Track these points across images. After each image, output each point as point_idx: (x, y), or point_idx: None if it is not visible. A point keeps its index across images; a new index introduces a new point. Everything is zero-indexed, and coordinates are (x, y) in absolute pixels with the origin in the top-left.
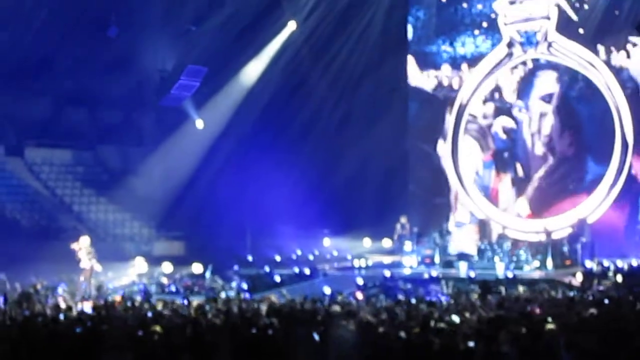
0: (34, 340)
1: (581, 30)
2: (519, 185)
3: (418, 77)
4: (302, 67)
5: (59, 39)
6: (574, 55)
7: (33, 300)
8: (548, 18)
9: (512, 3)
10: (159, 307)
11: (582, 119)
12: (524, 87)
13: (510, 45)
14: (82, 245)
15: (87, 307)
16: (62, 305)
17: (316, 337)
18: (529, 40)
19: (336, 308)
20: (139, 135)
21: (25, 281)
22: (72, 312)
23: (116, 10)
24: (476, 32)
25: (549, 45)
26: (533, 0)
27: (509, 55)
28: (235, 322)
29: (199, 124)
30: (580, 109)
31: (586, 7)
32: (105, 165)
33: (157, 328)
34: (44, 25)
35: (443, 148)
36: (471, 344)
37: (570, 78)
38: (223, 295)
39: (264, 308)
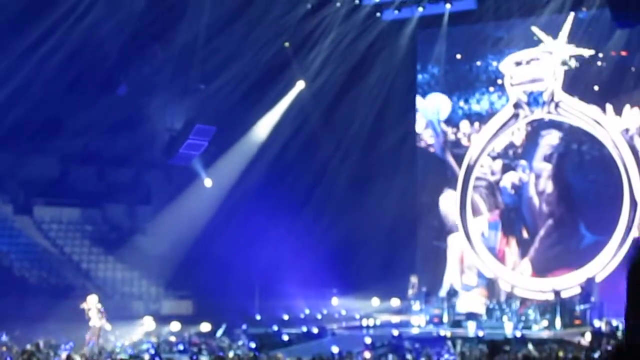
0: None
1: (596, 88)
2: (524, 246)
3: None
4: (310, 125)
5: (68, 97)
6: (580, 114)
7: (34, 358)
8: (555, 78)
9: (518, 64)
10: None
11: (576, 188)
12: (529, 146)
13: (516, 106)
14: (91, 304)
15: None
16: None
17: None
18: (535, 101)
19: None
20: (147, 194)
21: (34, 339)
22: None
23: (125, 69)
24: (491, 89)
25: (556, 105)
26: (539, 60)
27: (516, 116)
28: None
29: (208, 182)
30: (574, 179)
31: (599, 63)
32: (113, 224)
33: None
34: (52, 84)
35: (450, 205)
36: None
37: (574, 139)
38: (231, 354)
39: None
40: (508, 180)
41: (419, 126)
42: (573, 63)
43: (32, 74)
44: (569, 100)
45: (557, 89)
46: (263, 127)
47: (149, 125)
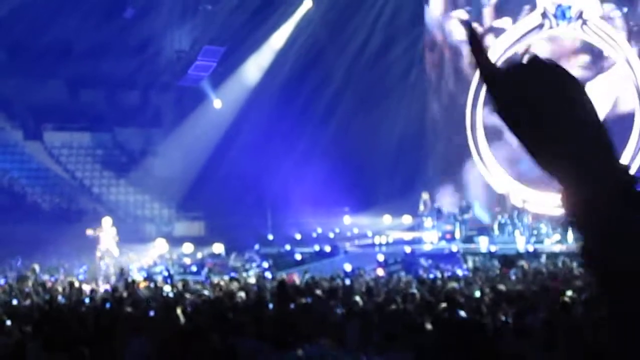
0: (55, 322)
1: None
2: None
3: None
4: (319, 44)
5: (75, 22)
6: (606, 36)
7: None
8: None
9: None
10: (181, 287)
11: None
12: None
13: (544, 15)
14: (105, 227)
15: (108, 288)
16: (85, 286)
17: (339, 311)
18: (562, 14)
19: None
20: (157, 117)
21: (47, 264)
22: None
23: None
24: None
25: (583, 23)
26: None
27: (540, 26)
28: (258, 300)
29: (217, 103)
30: None
31: None
32: (124, 147)
33: (180, 310)
34: (59, 9)
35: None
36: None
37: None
38: (244, 274)
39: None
40: None
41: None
42: None
43: (39, 0)
44: (597, 20)
45: (586, 7)
46: (271, 48)
47: (157, 47)
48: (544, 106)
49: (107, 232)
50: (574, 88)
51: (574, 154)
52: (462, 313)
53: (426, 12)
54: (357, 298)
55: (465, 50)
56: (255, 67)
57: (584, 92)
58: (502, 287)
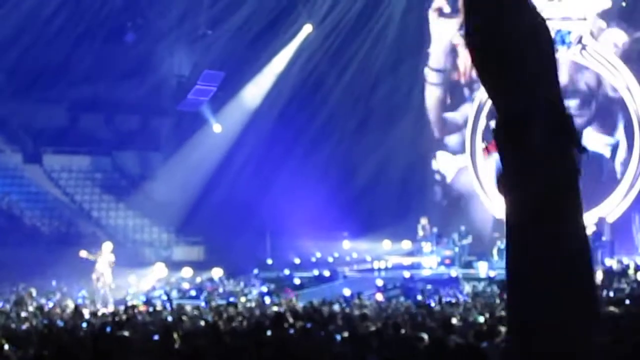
0: (54, 346)
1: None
2: None
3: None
4: (319, 70)
5: (75, 45)
6: (604, 60)
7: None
8: (584, 19)
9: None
10: (180, 312)
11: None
12: None
13: None
14: (105, 252)
15: (106, 312)
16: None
17: (338, 338)
18: (562, 40)
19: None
20: (156, 141)
21: (45, 287)
22: (92, 317)
23: (132, 16)
24: None
25: (583, 47)
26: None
27: None
28: (257, 325)
29: (217, 128)
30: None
31: None
32: (123, 171)
33: (177, 334)
34: (59, 32)
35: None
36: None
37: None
38: (243, 299)
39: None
40: None
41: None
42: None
43: (39, 23)
44: (595, 45)
45: (585, 31)
46: (271, 72)
47: (157, 71)
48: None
49: (105, 257)
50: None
51: (518, 64)
52: (457, 339)
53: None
54: (356, 323)
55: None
56: (255, 91)
57: (539, 22)
58: (501, 312)
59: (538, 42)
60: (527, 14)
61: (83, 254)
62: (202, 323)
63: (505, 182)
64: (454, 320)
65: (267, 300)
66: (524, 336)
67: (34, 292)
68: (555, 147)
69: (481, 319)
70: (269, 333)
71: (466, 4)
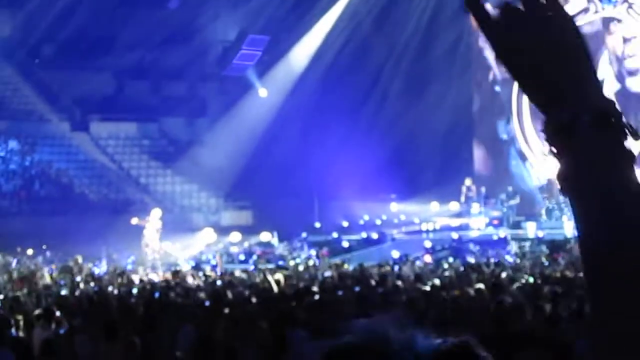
0: (105, 312)
1: None
2: None
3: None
4: (365, 31)
5: (120, 13)
6: None
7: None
8: None
9: None
10: (230, 276)
11: None
12: (592, 45)
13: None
14: (153, 219)
15: (155, 277)
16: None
17: (387, 299)
18: None
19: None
20: (202, 106)
21: (95, 254)
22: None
23: None
24: None
25: (629, 6)
26: None
27: (585, 10)
28: (305, 288)
29: (263, 92)
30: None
31: None
32: (170, 137)
33: (227, 298)
34: (104, 1)
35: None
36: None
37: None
38: (292, 262)
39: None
40: None
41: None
42: None
43: None
44: None
45: None
46: (316, 35)
47: (202, 37)
48: (526, 32)
49: (153, 223)
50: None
51: (552, 78)
52: (509, 299)
53: None
54: (406, 285)
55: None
56: (300, 55)
57: (566, 17)
58: (551, 273)
59: (570, 48)
60: (555, 23)
61: (134, 220)
62: (252, 287)
63: (565, 185)
64: (503, 281)
65: (315, 262)
66: None
67: (80, 259)
68: (609, 145)
69: (530, 280)
70: (317, 297)
71: (486, 25)
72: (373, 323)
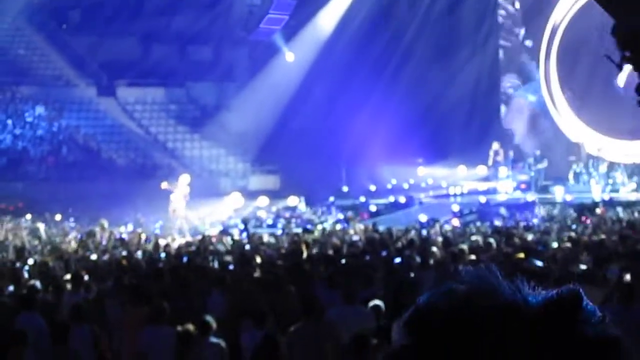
0: (134, 276)
1: None
2: None
3: None
4: None
5: None
6: None
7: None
8: None
9: None
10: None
11: None
12: None
13: None
14: (181, 185)
15: (183, 242)
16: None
17: (418, 259)
18: None
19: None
20: (229, 71)
21: (123, 219)
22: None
23: None
24: None
25: None
26: None
27: None
28: (334, 252)
29: (290, 56)
30: None
31: None
32: (197, 102)
33: (256, 262)
34: None
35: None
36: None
37: None
38: (319, 226)
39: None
40: None
41: None
42: None
43: None
44: None
45: None
46: None
47: (229, 1)
48: None
49: (180, 189)
50: None
51: None
52: (539, 262)
53: None
54: (434, 249)
55: None
56: (327, 19)
57: None
58: (579, 236)
59: None
60: None
61: (164, 184)
62: (280, 251)
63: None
64: (531, 244)
65: (342, 226)
66: None
67: (105, 223)
68: None
69: (555, 245)
70: (343, 261)
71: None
72: (483, 272)
